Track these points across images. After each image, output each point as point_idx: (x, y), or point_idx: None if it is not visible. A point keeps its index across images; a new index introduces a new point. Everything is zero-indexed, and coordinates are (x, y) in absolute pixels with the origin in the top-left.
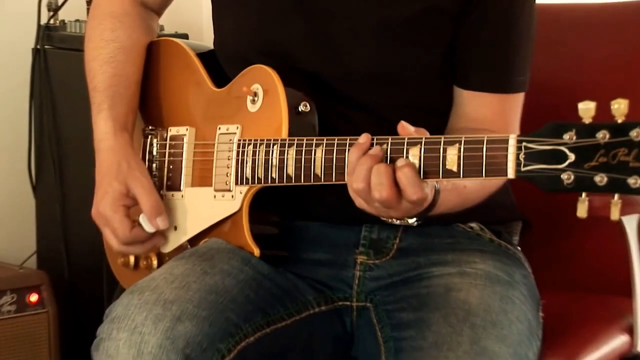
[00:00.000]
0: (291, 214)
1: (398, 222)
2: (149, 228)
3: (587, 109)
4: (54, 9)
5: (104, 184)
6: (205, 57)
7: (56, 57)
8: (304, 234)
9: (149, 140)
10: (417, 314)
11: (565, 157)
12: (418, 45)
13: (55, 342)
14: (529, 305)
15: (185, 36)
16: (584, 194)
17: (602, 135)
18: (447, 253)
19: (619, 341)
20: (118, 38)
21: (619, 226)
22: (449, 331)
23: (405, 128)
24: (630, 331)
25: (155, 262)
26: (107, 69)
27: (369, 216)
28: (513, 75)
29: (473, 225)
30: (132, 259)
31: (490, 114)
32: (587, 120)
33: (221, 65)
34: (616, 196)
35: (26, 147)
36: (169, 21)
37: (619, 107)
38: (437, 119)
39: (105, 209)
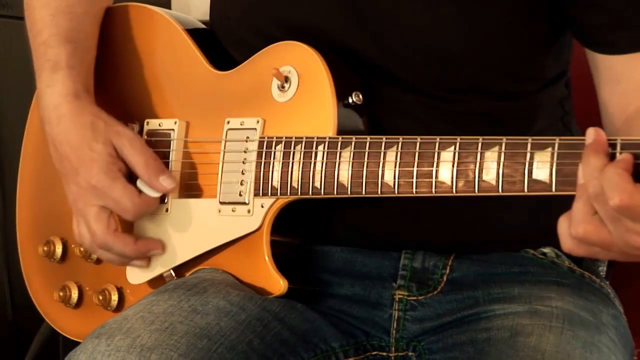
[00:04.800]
0: (309, 235)
1: None
2: (152, 192)
3: None
4: None
5: (82, 153)
6: (196, 35)
7: None
8: (327, 262)
9: None
10: None
11: None
12: (484, 10)
13: None
14: (619, 354)
15: (167, 4)
16: None
17: None
18: (514, 286)
19: None
20: None
21: None
22: None
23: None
24: None
25: (114, 298)
26: (61, 20)
27: (411, 239)
28: None
29: (547, 250)
30: (74, 293)
31: None
32: None
33: (218, 46)
34: None
35: None
36: None
37: None
38: (502, 102)
39: (99, 179)
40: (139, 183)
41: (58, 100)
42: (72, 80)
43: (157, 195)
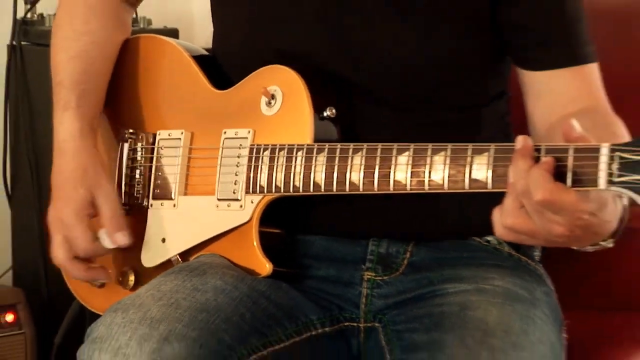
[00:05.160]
0: (292, 227)
1: (591, 247)
2: (108, 244)
3: None
4: (32, 2)
5: (67, 189)
6: (200, 60)
7: (34, 54)
8: (307, 248)
9: (128, 144)
10: (430, 334)
11: None
12: (444, 32)
13: None
14: (551, 325)
15: (175, 31)
16: None
17: None
18: (463, 268)
19: None
20: (91, 31)
21: None
22: (465, 354)
23: (574, 129)
24: None
25: (131, 279)
26: (76, 63)
27: (377, 229)
28: (584, 45)
29: (490, 238)
30: None
31: (577, 90)
32: None
33: (218, 69)
34: None
35: (0, 153)
36: (157, 14)
37: None
38: (457, 114)
39: (69, 216)
40: (100, 232)
41: (65, 137)
42: (79, 120)
43: (111, 246)
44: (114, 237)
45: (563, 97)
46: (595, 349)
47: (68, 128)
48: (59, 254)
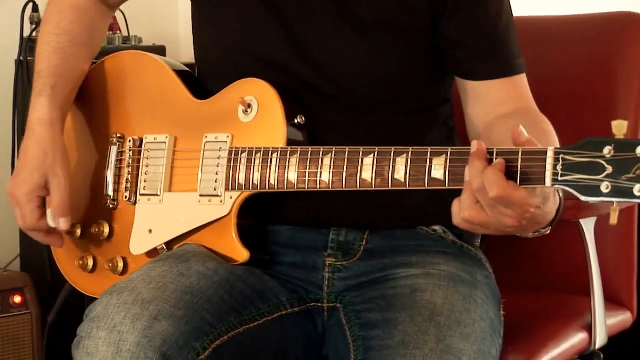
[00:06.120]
0: (263, 219)
1: (531, 235)
2: (52, 224)
3: (620, 126)
4: (36, 23)
5: (26, 170)
6: (181, 74)
7: None
8: (277, 238)
9: (117, 147)
10: (384, 314)
11: (603, 169)
12: (394, 45)
13: (38, 342)
14: (490, 304)
15: (162, 48)
16: (615, 203)
17: None
18: (412, 255)
19: (577, 339)
20: (73, 31)
21: (578, 228)
22: (415, 330)
23: (522, 134)
24: (589, 329)
25: (120, 265)
26: (53, 57)
27: (337, 220)
28: (515, 58)
29: (436, 228)
30: (90, 262)
31: (508, 95)
32: (620, 135)
33: (198, 81)
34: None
35: (9, 155)
36: (147, 33)
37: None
38: (408, 117)
39: (21, 195)
40: (48, 212)
41: (35, 120)
42: (49, 108)
43: (54, 226)
44: (57, 220)
45: (497, 101)
46: (529, 325)
47: (39, 114)
48: (19, 223)
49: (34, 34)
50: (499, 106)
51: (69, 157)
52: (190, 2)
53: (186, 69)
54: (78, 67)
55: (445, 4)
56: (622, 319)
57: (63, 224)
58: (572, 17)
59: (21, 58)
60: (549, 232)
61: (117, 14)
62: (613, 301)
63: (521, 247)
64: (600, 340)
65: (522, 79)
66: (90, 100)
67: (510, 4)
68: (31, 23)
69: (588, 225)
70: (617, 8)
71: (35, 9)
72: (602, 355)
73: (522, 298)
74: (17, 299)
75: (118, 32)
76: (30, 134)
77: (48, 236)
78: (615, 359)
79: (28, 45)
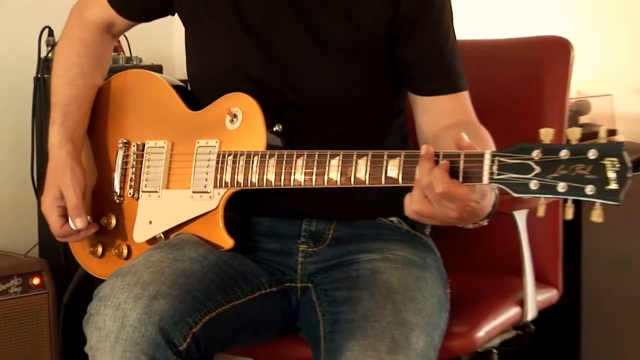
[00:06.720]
0: (246, 211)
1: (471, 225)
2: (72, 225)
3: (547, 133)
4: (52, 45)
5: (47, 187)
6: (177, 88)
7: None
8: (258, 228)
9: (123, 151)
10: (349, 292)
11: (532, 169)
12: (355, 67)
13: (54, 318)
14: (438, 283)
15: (159, 67)
16: (543, 198)
17: (564, 154)
18: (372, 242)
19: (512, 312)
20: (82, 65)
21: (512, 219)
22: (375, 306)
23: (463, 140)
24: (521, 304)
25: (125, 251)
26: (66, 90)
27: (309, 212)
28: (459, 78)
29: (393, 219)
30: (99, 249)
31: (453, 109)
32: (546, 141)
33: (191, 95)
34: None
35: (29, 158)
36: (146, 54)
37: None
38: (369, 127)
39: (44, 208)
40: (69, 217)
41: (50, 148)
42: (58, 133)
43: (75, 228)
44: (75, 222)
45: (443, 114)
46: (471, 301)
47: (52, 140)
48: (52, 232)
49: (49, 55)
50: (445, 118)
51: (81, 169)
52: (183, 27)
53: (181, 83)
54: (88, 94)
55: (400, 31)
56: (550, 295)
57: (79, 223)
58: (508, 40)
59: (39, 75)
60: (486, 223)
61: (120, 37)
62: (542, 280)
63: (464, 236)
64: (531, 313)
65: (465, 95)
66: (101, 112)
67: (454, 31)
68: (47, 45)
69: (520, 217)
70: (546, 32)
71: (51, 33)
72: (532, 326)
73: (465, 278)
74: (36, 281)
75: (122, 53)
76: (49, 158)
77: (79, 236)
78: (544, 330)
79: (45, 65)
